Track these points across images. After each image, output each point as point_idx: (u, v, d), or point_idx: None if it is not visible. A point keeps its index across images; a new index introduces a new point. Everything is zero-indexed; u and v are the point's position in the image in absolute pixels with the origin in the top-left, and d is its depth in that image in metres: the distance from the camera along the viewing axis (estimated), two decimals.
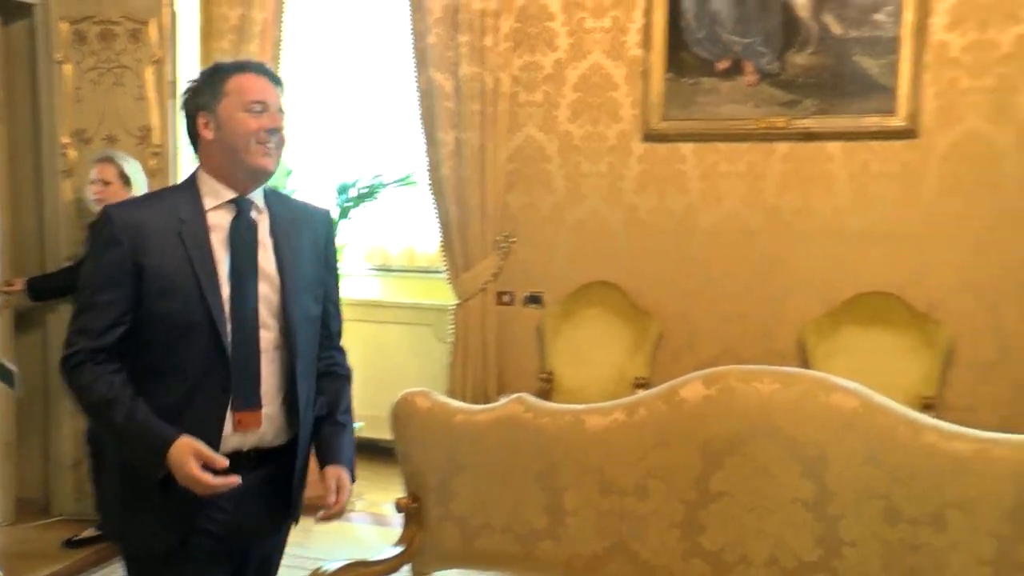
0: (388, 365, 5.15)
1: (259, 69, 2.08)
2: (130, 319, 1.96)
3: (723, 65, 4.28)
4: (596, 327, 4.54)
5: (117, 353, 1.96)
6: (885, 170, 4.08)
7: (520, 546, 2.43)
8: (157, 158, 4.16)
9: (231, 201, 2.05)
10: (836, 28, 4.11)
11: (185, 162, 4.30)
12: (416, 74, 4.52)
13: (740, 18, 4.24)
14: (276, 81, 2.08)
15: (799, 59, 4.18)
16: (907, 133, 4.02)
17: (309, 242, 2.14)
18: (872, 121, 4.09)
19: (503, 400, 2.49)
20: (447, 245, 4.63)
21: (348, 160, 5.15)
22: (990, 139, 3.95)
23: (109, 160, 3.84)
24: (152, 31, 4.13)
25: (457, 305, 4.69)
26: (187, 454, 1.88)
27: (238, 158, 2.01)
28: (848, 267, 4.16)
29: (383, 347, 5.25)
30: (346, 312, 5.37)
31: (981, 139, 3.96)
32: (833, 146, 4.19)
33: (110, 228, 1.97)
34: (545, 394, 4.34)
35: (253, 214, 2.07)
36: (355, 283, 5.35)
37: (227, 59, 2.23)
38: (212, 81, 2.04)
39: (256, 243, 2.06)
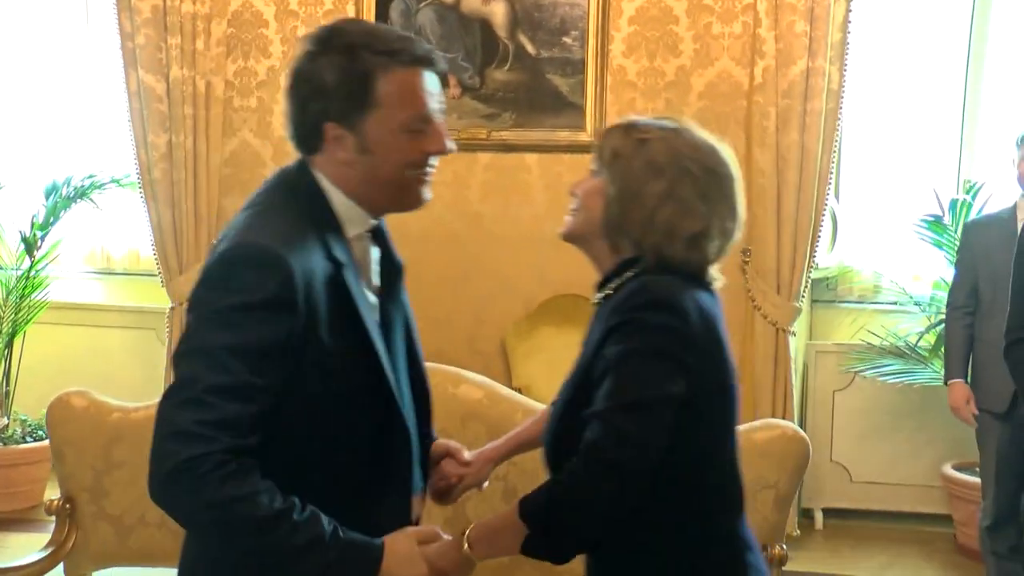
0: (109, 369, 5.06)
1: (431, 60, 1.53)
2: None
3: None
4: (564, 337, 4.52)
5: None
6: (576, 181, 4.43)
7: (175, 541, 2.48)
8: None
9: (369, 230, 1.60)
10: (530, 47, 4.44)
11: None
12: (124, 75, 4.51)
13: (444, 34, 4.48)
14: (443, 77, 1.57)
15: (498, 75, 4.47)
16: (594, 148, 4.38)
17: None
18: (564, 135, 4.44)
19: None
20: (159, 248, 4.63)
21: (59, 158, 5.03)
22: None
23: None
24: None
25: (172, 308, 4.70)
26: (411, 542, 1.48)
27: (386, 190, 1.54)
28: (545, 271, 4.49)
29: (104, 351, 5.15)
30: (64, 316, 5.22)
31: None
32: (530, 157, 4.53)
33: (282, 280, 1.42)
34: None
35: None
36: (73, 286, 5.24)
37: (356, 29, 1.55)
38: (349, 80, 1.48)
39: (401, 280, 1.68)
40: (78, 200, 4.65)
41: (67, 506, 2.55)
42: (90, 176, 4.74)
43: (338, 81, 1.47)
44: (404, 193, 1.55)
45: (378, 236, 1.64)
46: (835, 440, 4.69)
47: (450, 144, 1.57)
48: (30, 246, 4.52)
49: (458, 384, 2.43)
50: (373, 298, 1.60)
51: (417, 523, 1.67)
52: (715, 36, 4.30)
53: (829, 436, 4.68)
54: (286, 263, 1.42)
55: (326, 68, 1.48)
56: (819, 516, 4.70)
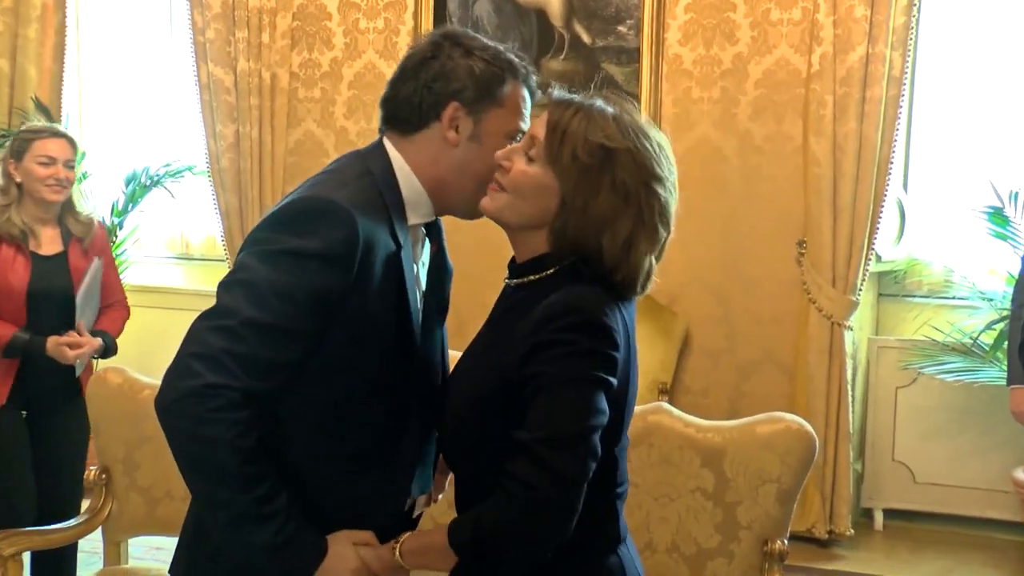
0: None
1: (538, 90, 1.62)
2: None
3: None
4: None
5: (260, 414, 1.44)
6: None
7: None
8: None
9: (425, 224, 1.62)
10: (586, 37, 4.45)
11: None
12: (196, 68, 4.72)
13: (500, 24, 4.54)
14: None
15: (553, 65, 4.50)
16: None
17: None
18: None
19: None
20: (227, 234, 4.85)
21: (140, 147, 5.28)
22: (716, 144, 4.35)
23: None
24: None
25: None
26: (347, 542, 1.51)
27: (468, 185, 1.56)
28: None
29: (181, 333, 5.40)
30: (142, 299, 5.52)
31: (709, 144, 4.36)
32: None
33: (345, 237, 1.44)
34: None
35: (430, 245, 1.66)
36: (154, 270, 5.51)
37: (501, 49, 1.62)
38: (490, 75, 1.55)
39: (448, 284, 1.70)
40: (154, 187, 4.88)
41: (103, 476, 2.72)
42: (166, 165, 4.98)
43: (481, 71, 1.54)
44: (478, 194, 1.55)
45: (433, 232, 1.67)
46: (897, 439, 4.56)
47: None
48: (109, 232, 4.74)
49: None
50: (418, 293, 1.61)
51: (416, 520, 1.70)
52: (773, 23, 4.24)
53: (891, 434, 4.57)
54: (354, 222, 1.44)
55: (468, 58, 1.55)
56: (879, 516, 4.59)
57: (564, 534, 1.39)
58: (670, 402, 4.38)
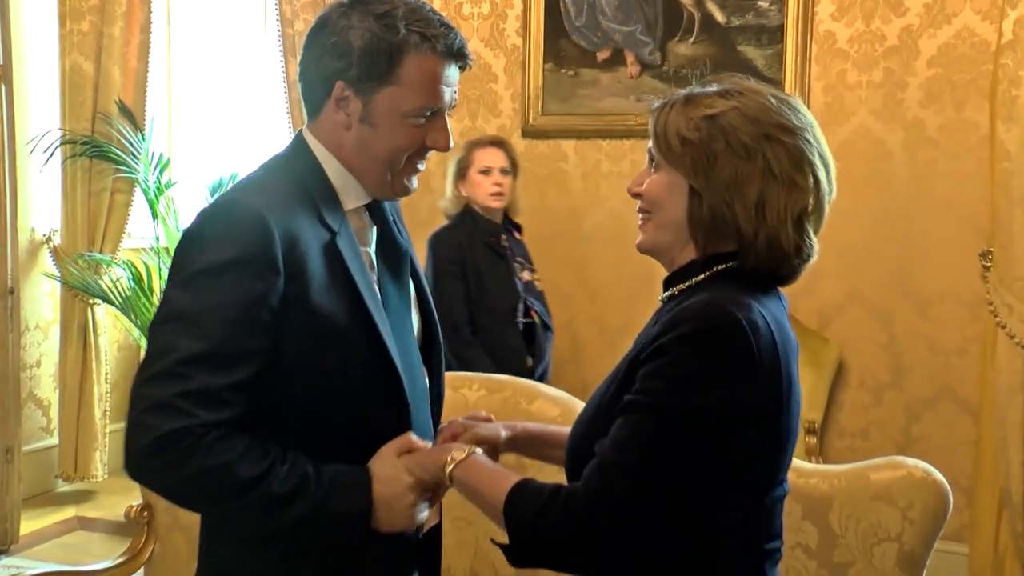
0: None
1: (463, 55, 1.51)
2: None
3: (603, 55, 4.14)
4: None
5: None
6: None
7: None
8: None
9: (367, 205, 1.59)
10: (719, 15, 3.96)
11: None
12: (283, 64, 4.40)
13: (620, 5, 4.10)
14: (464, 66, 1.53)
15: (682, 49, 4.03)
16: None
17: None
18: None
19: None
20: None
21: (216, 154, 5.06)
22: (879, 137, 3.76)
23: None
24: None
25: None
26: (392, 458, 1.48)
27: (374, 166, 1.52)
28: None
29: None
30: None
31: (870, 136, 3.77)
32: None
33: (258, 238, 1.38)
34: None
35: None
36: None
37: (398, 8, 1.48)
38: (378, 49, 1.45)
39: (405, 262, 1.63)
40: None
41: (144, 513, 2.46)
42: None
43: (366, 46, 1.46)
44: (391, 176, 1.52)
45: (376, 213, 1.59)
46: None
47: (451, 143, 1.55)
48: None
49: (533, 399, 2.20)
50: (371, 275, 1.55)
51: (419, 531, 1.59)
52: None
53: None
54: (261, 219, 1.38)
55: (357, 29, 1.46)
56: None
57: (597, 555, 1.33)
58: (820, 445, 3.85)
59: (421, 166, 1.55)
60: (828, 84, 3.83)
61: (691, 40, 4.00)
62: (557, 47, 4.19)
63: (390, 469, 1.45)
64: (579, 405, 2.08)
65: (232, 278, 1.37)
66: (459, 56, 1.50)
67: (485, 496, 1.42)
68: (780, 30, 3.85)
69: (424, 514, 1.50)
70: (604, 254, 4.20)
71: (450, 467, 1.44)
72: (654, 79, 4.06)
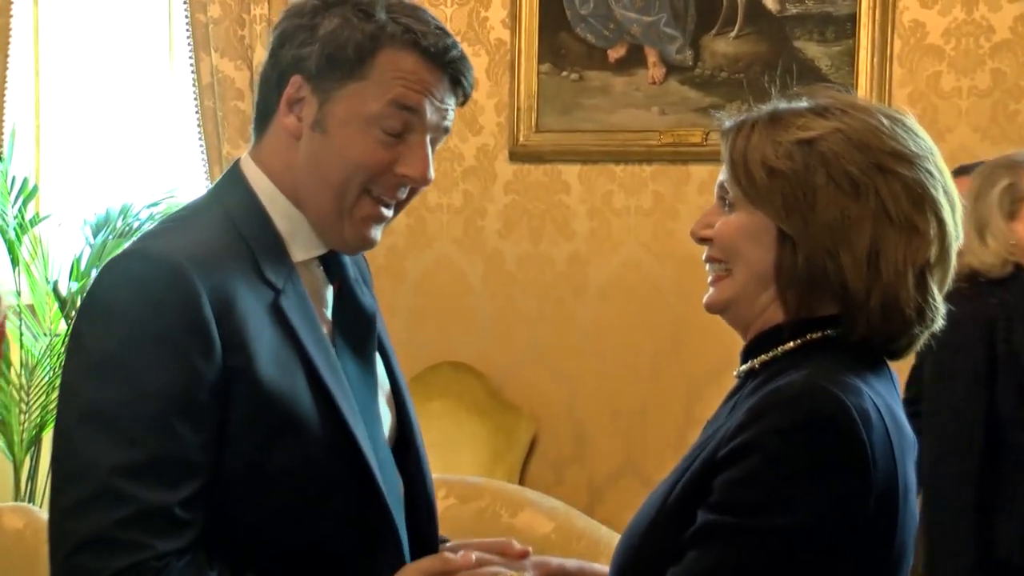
0: None
1: (459, 70, 1.49)
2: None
3: (617, 53, 4.07)
4: (443, 427, 4.17)
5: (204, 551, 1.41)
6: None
7: None
8: None
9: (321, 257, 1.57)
10: (771, 2, 3.88)
11: None
12: (192, 62, 4.25)
13: None
14: (460, 88, 1.51)
15: (720, 45, 3.96)
16: None
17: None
18: None
19: None
20: None
21: (101, 180, 4.83)
22: (983, 156, 3.63)
23: None
24: None
25: None
26: None
27: (323, 196, 1.48)
28: None
29: None
30: None
31: (972, 159, 3.63)
32: None
33: (181, 299, 1.36)
34: None
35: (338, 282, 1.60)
36: None
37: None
38: (347, 37, 1.45)
39: (371, 334, 1.62)
40: (131, 237, 4.26)
41: None
42: (152, 204, 4.39)
43: (333, 31, 1.45)
44: (344, 213, 1.47)
45: (332, 267, 1.58)
46: None
47: (429, 175, 1.49)
48: (64, 303, 4.10)
49: (517, 510, 2.22)
50: (329, 347, 1.53)
51: None
52: None
53: None
54: (183, 274, 1.36)
55: (329, 15, 1.46)
56: None
57: None
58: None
59: (388, 211, 1.50)
60: (916, 91, 3.79)
61: (732, 34, 3.94)
62: (556, 42, 4.13)
63: None
64: (580, 519, 2.20)
65: (151, 360, 1.33)
66: (451, 66, 1.46)
67: None
68: (852, 20, 3.79)
69: None
70: (617, 315, 4.13)
71: None
72: (684, 85, 4.00)
